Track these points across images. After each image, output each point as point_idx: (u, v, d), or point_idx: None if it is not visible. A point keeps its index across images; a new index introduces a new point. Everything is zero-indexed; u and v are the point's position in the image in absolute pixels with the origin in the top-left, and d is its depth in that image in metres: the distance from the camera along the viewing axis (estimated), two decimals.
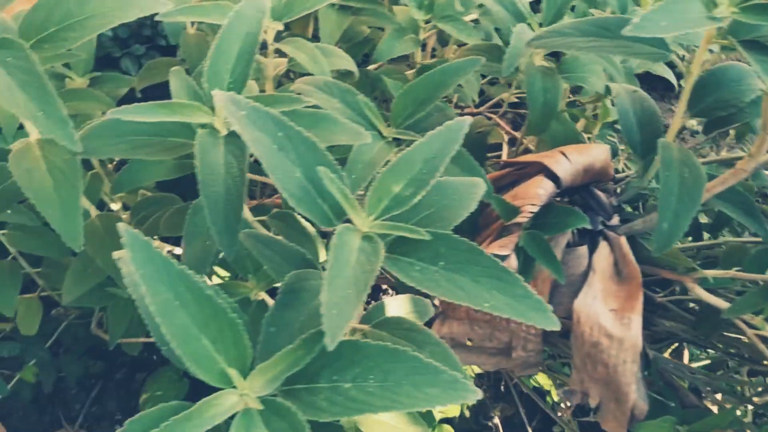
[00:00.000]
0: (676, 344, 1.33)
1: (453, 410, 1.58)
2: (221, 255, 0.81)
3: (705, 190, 0.87)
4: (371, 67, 1.39)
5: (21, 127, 1.15)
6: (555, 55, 1.14)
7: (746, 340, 1.08)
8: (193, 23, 1.15)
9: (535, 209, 0.90)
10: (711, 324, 1.08)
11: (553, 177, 0.93)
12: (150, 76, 1.19)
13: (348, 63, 1.07)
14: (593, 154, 0.97)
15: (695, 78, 0.89)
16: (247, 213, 0.87)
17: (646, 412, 0.95)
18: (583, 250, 0.97)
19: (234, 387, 0.53)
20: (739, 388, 1.36)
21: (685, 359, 1.38)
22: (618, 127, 1.30)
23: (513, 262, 0.89)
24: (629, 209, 1.18)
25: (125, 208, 1.23)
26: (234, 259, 0.84)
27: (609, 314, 0.92)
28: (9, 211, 1.04)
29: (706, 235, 1.28)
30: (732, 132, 1.60)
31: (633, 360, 0.92)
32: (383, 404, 0.53)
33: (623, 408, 0.94)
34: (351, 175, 0.84)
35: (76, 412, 1.66)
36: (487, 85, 1.75)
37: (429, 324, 0.98)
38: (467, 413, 1.67)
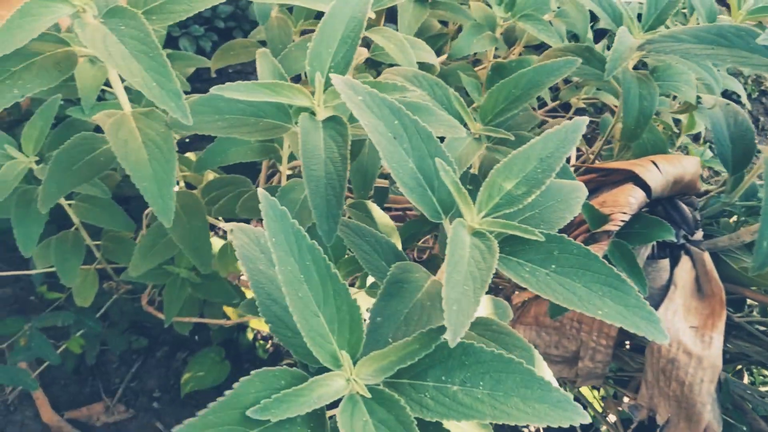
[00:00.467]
0: (741, 366, 1.29)
1: None
2: None
3: None
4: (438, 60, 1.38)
5: (99, 98, 1.15)
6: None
7: None
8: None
9: (626, 218, 0.87)
10: None
11: (643, 186, 0.90)
12: (226, 57, 1.18)
13: (431, 56, 1.05)
14: (684, 165, 0.94)
15: None
16: None
17: None
18: (665, 263, 0.94)
19: (339, 369, 0.52)
20: None
21: (744, 382, 1.35)
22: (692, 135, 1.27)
23: None
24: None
25: (188, 186, 1.23)
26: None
27: (689, 331, 0.89)
28: None
29: None
30: None
31: (711, 380, 0.89)
32: (491, 413, 0.52)
33: (695, 428, 0.92)
34: None
35: (116, 386, 1.67)
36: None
37: None
38: None
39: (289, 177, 0.99)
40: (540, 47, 1.63)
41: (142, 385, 1.68)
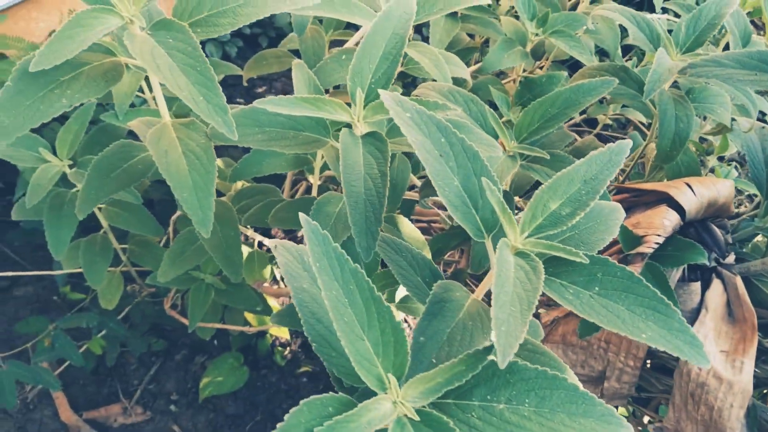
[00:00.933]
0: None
1: None
2: None
3: None
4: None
5: (132, 105, 1.17)
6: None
7: None
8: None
9: (660, 240, 0.87)
10: None
11: (678, 208, 0.90)
12: (258, 66, 1.19)
13: (463, 71, 1.06)
14: (718, 189, 0.93)
15: None
16: None
17: None
18: (696, 286, 0.94)
19: (384, 392, 0.52)
20: None
21: None
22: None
23: None
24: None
25: (217, 194, 1.24)
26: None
27: (720, 355, 0.89)
28: None
29: None
30: None
31: (741, 405, 0.89)
32: (539, 430, 0.52)
33: None
34: None
35: (134, 388, 1.67)
36: None
37: None
38: None
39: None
40: (566, 62, 1.63)
41: (160, 388, 1.68)
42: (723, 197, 0.94)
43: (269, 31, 2.22)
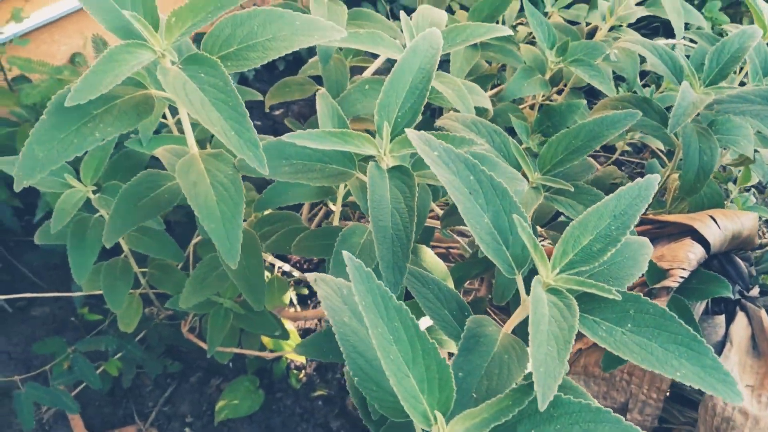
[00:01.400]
0: None
1: None
2: None
3: None
4: None
5: (157, 131, 1.18)
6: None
7: None
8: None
9: (685, 274, 0.86)
10: None
11: (702, 241, 0.90)
12: (281, 94, 1.20)
13: (485, 101, 1.06)
14: (742, 221, 0.93)
15: None
16: None
17: None
18: (721, 319, 0.93)
19: (430, 428, 0.52)
20: None
21: None
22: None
23: None
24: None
25: None
26: None
27: (745, 390, 0.88)
28: None
29: None
30: None
31: None
32: None
33: None
34: None
35: (149, 410, 1.67)
36: None
37: None
38: None
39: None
40: (583, 87, 1.64)
41: (174, 410, 1.68)
42: (747, 230, 0.94)
43: (287, 55, 2.24)
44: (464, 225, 0.63)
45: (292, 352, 1.50)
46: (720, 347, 0.92)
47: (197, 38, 0.78)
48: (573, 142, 0.89)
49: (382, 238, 0.67)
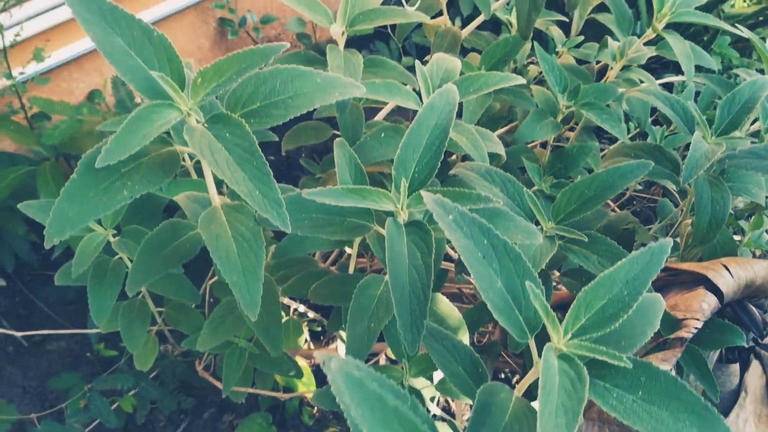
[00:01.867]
0: None
1: None
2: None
3: None
4: None
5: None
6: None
7: None
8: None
9: (699, 325, 0.87)
10: None
11: (716, 291, 0.90)
12: (297, 138, 1.22)
13: (499, 147, 1.08)
14: (755, 270, 0.94)
15: None
16: None
17: None
18: (735, 368, 0.94)
19: None
20: None
21: None
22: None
23: None
24: None
25: None
26: (390, 341, 0.85)
27: None
28: None
29: None
30: None
31: None
32: None
33: None
34: None
35: None
36: None
37: None
38: None
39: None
40: (593, 125, 1.65)
41: None
42: (760, 278, 0.95)
43: None
44: None
45: (304, 388, 1.51)
46: (735, 396, 0.92)
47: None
48: (586, 192, 0.91)
49: (399, 297, 0.69)
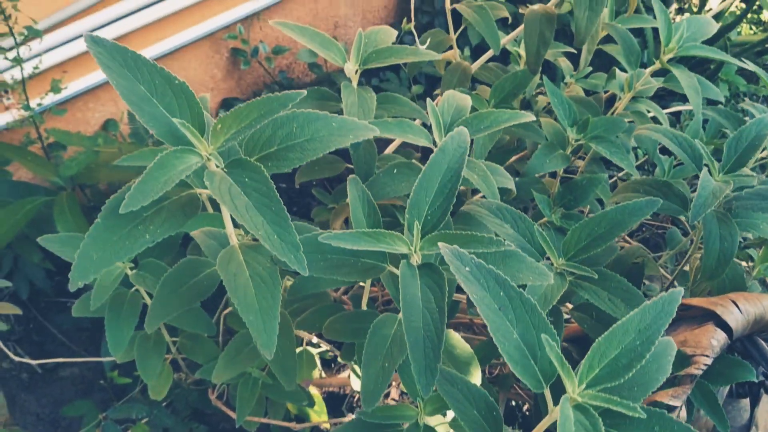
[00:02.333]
0: None
1: None
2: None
3: None
4: None
5: None
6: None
7: None
8: None
9: (709, 362, 0.88)
10: None
11: (724, 326, 0.91)
12: (311, 172, 1.24)
13: (509, 182, 1.09)
14: (764, 305, 0.95)
15: None
16: None
17: None
18: (745, 402, 0.94)
19: None
20: None
21: None
22: None
23: (683, 413, 0.87)
24: None
25: None
26: (404, 380, 0.86)
27: None
28: None
29: None
30: None
31: None
32: None
33: None
34: None
35: None
36: None
37: None
38: None
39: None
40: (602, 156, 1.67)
41: None
42: None
43: None
44: None
45: (316, 417, 1.52)
46: (746, 431, 0.93)
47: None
48: (596, 230, 0.92)
49: (414, 341, 0.70)
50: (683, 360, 0.89)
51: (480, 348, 1.07)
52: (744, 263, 1.34)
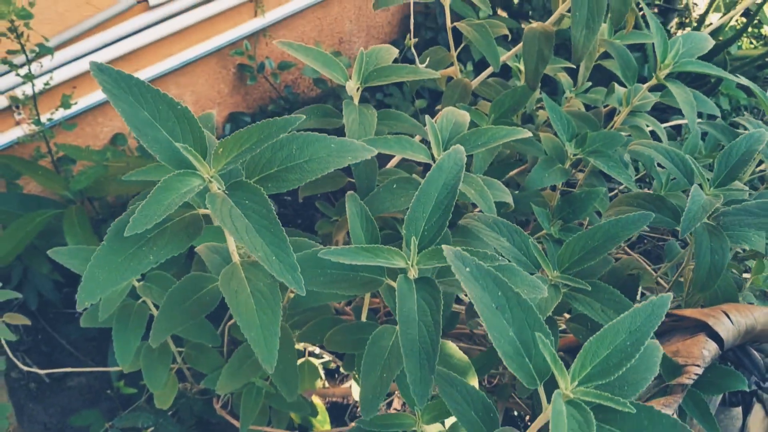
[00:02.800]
0: None
1: None
2: None
3: None
4: None
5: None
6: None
7: None
8: None
9: (700, 371, 0.90)
10: None
11: (715, 337, 0.93)
12: (314, 186, 1.27)
13: (506, 196, 1.12)
14: (755, 316, 0.97)
15: None
16: None
17: None
18: (738, 411, 0.96)
19: None
20: None
21: None
22: None
23: None
24: None
25: None
26: (402, 390, 0.88)
27: None
28: None
29: None
30: None
31: None
32: None
33: None
34: None
35: None
36: None
37: None
38: None
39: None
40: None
41: None
42: (761, 324, 0.97)
43: None
44: None
45: (319, 426, 1.54)
46: None
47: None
48: (589, 243, 0.95)
49: (409, 352, 0.72)
50: (675, 369, 0.91)
51: (479, 359, 1.09)
52: (746, 275, 1.36)
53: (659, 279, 1.32)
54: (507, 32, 1.40)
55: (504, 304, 0.66)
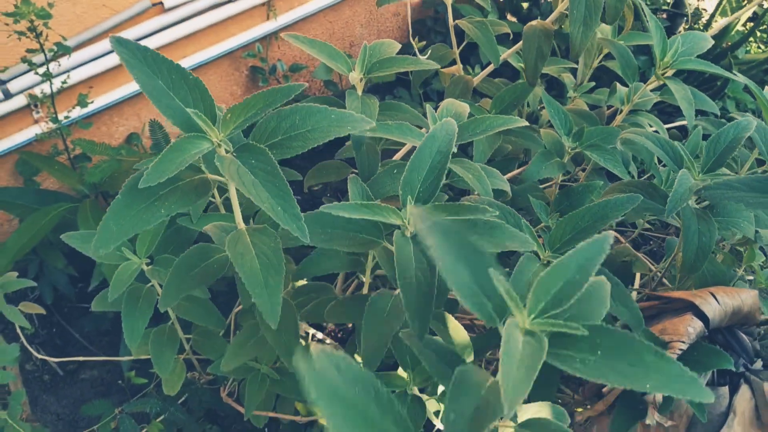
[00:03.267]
0: None
1: None
2: None
3: None
4: None
5: (205, 209, 1.30)
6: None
7: None
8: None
9: (684, 347, 0.93)
10: None
11: (702, 317, 0.96)
12: (319, 176, 1.32)
13: (504, 185, 1.16)
14: (742, 298, 1.00)
15: None
16: None
17: None
18: (725, 390, 0.99)
19: None
20: None
21: None
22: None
23: (659, 398, 0.92)
24: None
25: None
26: (398, 352, 0.92)
27: None
28: None
29: None
30: None
31: None
32: None
33: None
34: None
35: None
36: None
37: None
38: None
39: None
40: (604, 168, 1.73)
41: None
42: (747, 306, 1.00)
43: None
44: None
45: (320, 416, 1.57)
46: (724, 417, 0.97)
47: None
48: (580, 223, 0.98)
49: (408, 291, 0.77)
50: (662, 346, 0.94)
51: (476, 341, 1.12)
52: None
53: (652, 267, 1.35)
54: (508, 30, 1.45)
55: (461, 253, 0.68)
